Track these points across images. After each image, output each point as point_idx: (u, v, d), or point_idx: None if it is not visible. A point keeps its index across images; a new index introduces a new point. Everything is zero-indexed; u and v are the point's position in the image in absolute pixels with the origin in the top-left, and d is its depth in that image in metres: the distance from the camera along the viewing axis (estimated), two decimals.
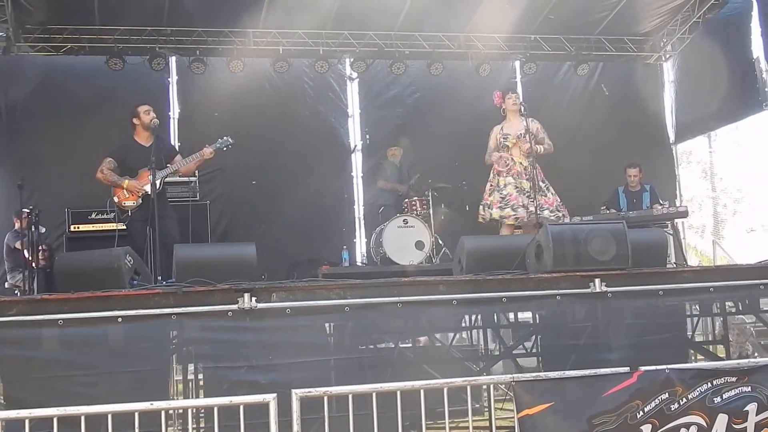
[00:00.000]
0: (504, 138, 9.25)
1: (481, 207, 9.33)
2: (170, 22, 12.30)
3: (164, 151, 8.89)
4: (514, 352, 8.13)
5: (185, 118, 12.76)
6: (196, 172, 10.18)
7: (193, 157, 8.93)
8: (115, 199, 8.73)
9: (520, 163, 9.17)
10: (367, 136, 13.42)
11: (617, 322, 6.29)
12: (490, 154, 9.39)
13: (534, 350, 8.13)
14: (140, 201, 8.62)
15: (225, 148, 9.08)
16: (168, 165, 8.78)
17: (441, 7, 12.71)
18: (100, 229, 10.33)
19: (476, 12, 12.86)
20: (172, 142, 11.41)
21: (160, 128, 9.12)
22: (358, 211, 13.59)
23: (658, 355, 6.03)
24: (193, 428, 5.46)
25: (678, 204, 12.68)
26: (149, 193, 8.51)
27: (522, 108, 9.30)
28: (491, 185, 9.25)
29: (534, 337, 8.22)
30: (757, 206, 32.59)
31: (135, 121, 8.92)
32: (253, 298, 5.64)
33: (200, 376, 7.11)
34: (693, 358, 8.37)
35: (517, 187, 9.06)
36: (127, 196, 8.66)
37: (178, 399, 7.24)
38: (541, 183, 9.13)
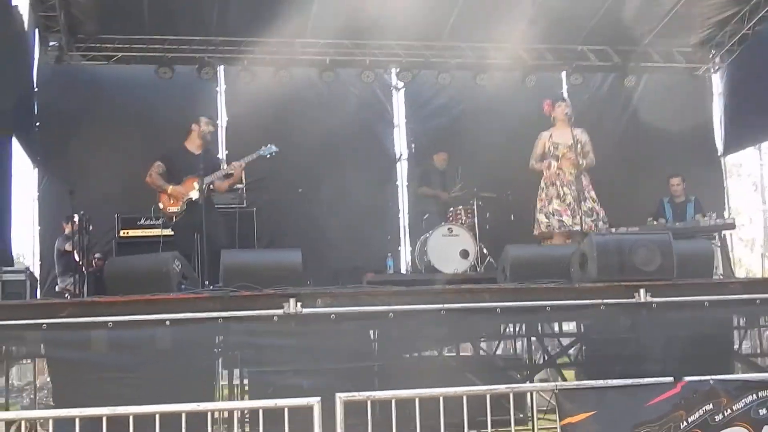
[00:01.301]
0: (554, 147, 9.26)
1: (543, 215, 9.33)
2: (219, 32, 12.46)
3: (211, 163, 9.06)
4: (558, 362, 8.12)
5: (233, 126, 12.89)
6: (243, 178, 10.29)
7: (226, 171, 9.08)
8: (160, 205, 8.92)
9: (570, 172, 9.18)
10: (413, 145, 13.45)
11: (662, 333, 6.27)
12: (537, 160, 9.41)
13: (578, 359, 8.12)
14: (184, 207, 8.77)
15: (269, 155, 9.19)
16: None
17: (487, 17, 12.67)
18: (149, 234, 10.48)
19: (523, 22, 12.84)
20: (220, 150, 11.57)
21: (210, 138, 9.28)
22: (403, 219, 13.64)
23: (702, 367, 5.99)
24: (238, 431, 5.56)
25: (726, 216, 12.56)
26: (193, 198, 8.68)
27: (571, 117, 9.32)
28: (551, 195, 9.25)
29: (578, 346, 8.22)
30: None
31: (194, 126, 9.16)
32: (299, 304, 5.70)
33: (245, 381, 7.19)
34: (739, 370, 8.30)
35: (571, 198, 9.08)
36: (171, 202, 8.82)
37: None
38: (592, 193, 9.14)
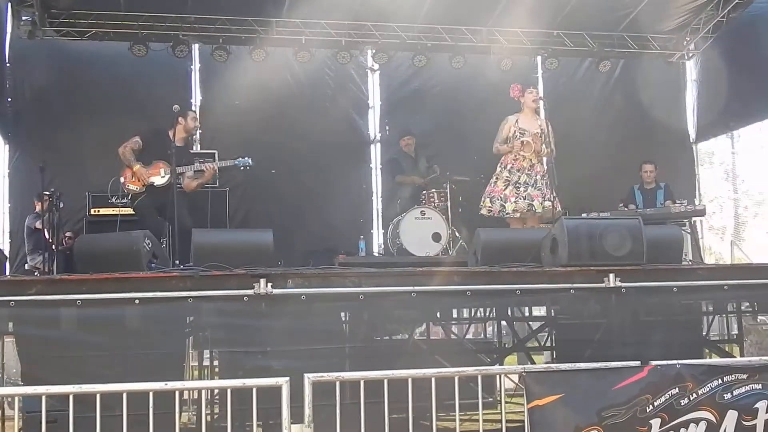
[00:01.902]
0: (521, 133, 9.28)
1: (489, 200, 9.37)
2: (194, 10, 12.32)
3: (186, 158, 9.11)
4: (527, 346, 8.16)
5: (206, 106, 12.79)
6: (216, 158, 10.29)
7: (197, 168, 9.09)
8: (121, 179, 8.89)
9: (529, 159, 9.21)
10: (387, 128, 13.44)
11: (630, 318, 6.32)
12: (501, 143, 9.42)
13: (547, 344, 8.16)
14: (144, 190, 8.77)
15: (242, 168, 9.25)
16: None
17: (464, 0, 12.68)
18: (120, 213, 10.42)
19: (499, 6, 12.85)
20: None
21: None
22: (376, 202, 13.64)
23: (670, 352, 6.03)
24: (206, 413, 5.55)
25: (696, 203, 12.65)
26: (155, 184, 8.73)
27: (542, 104, 9.35)
28: (504, 179, 9.28)
29: (547, 331, 8.26)
30: None
31: (180, 120, 9.13)
32: (269, 284, 5.69)
33: (215, 362, 7.19)
34: (708, 356, 8.38)
35: (516, 182, 9.15)
36: (133, 180, 8.82)
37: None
38: (539, 177, 9.17)
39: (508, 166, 9.28)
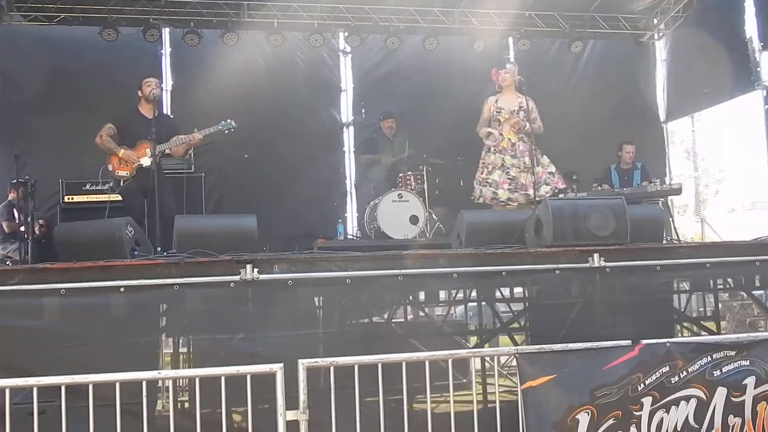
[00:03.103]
0: (497, 111, 9.28)
1: (478, 184, 9.32)
2: None
3: (166, 127, 8.90)
4: (510, 327, 8.18)
5: (178, 90, 12.71)
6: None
7: (182, 139, 8.90)
8: (109, 167, 8.76)
9: (509, 139, 9.21)
10: (363, 110, 13.38)
11: (615, 297, 6.34)
12: (481, 125, 9.41)
13: (529, 324, 8.17)
14: (134, 173, 8.64)
15: (227, 131, 9.08)
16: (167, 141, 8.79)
17: None
18: (95, 200, 10.31)
19: None
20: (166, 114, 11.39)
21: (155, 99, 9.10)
22: (350, 185, 13.61)
23: (655, 330, 6.08)
24: (180, 400, 5.50)
25: (668, 181, 12.74)
26: (144, 165, 8.57)
27: (517, 82, 9.34)
28: (491, 163, 9.25)
29: (530, 311, 8.27)
30: (739, 186, 32.87)
31: (139, 92, 8.97)
32: (255, 270, 5.63)
33: (198, 347, 7.12)
34: (681, 333, 8.46)
35: (502, 165, 9.12)
36: (121, 165, 8.68)
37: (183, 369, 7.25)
38: (526, 159, 9.16)
39: (491, 149, 9.25)
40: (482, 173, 9.31)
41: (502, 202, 9.09)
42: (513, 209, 8.96)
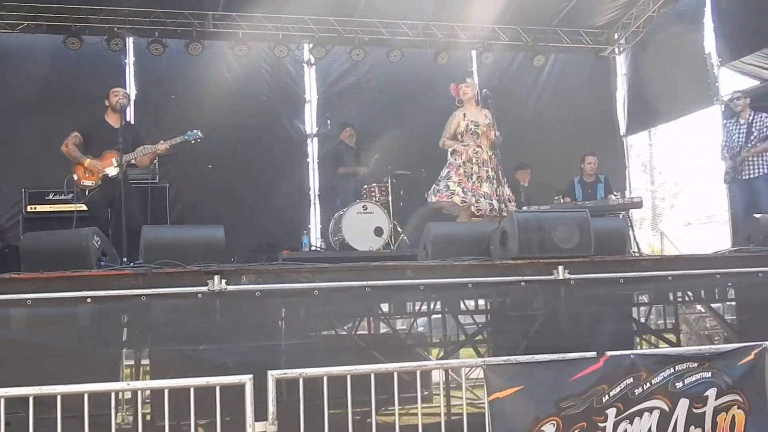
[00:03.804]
0: (475, 125, 9.27)
1: (463, 192, 9.26)
2: (129, 3, 12.18)
3: (132, 137, 8.86)
4: (476, 339, 8.21)
5: (142, 99, 12.69)
6: None
7: (148, 149, 8.87)
8: (74, 177, 8.68)
9: (486, 152, 9.25)
10: (329, 122, 13.41)
11: (579, 309, 6.39)
12: (449, 138, 9.42)
13: (493, 336, 8.21)
14: (100, 182, 8.59)
15: (193, 141, 9.05)
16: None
17: None
18: (58, 210, 10.22)
19: (435, 0, 12.94)
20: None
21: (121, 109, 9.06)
22: (313, 196, 13.63)
23: (618, 342, 6.15)
24: (144, 410, 5.48)
25: (627, 195, 12.90)
26: (109, 174, 8.52)
27: (478, 96, 9.38)
28: (476, 174, 9.25)
29: (492, 323, 8.32)
30: (694, 200, 33.32)
31: (106, 101, 8.92)
32: (223, 281, 5.62)
33: (165, 358, 7.09)
34: (641, 345, 8.54)
35: (487, 177, 9.14)
36: (87, 175, 8.61)
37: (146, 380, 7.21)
38: (500, 173, 9.21)
39: (473, 160, 9.24)
40: (469, 182, 9.20)
41: (491, 211, 9.08)
42: (480, 221, 9.00)
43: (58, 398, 4.47)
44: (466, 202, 9.14)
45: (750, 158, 10.30)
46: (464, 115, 9.40)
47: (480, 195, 9.10)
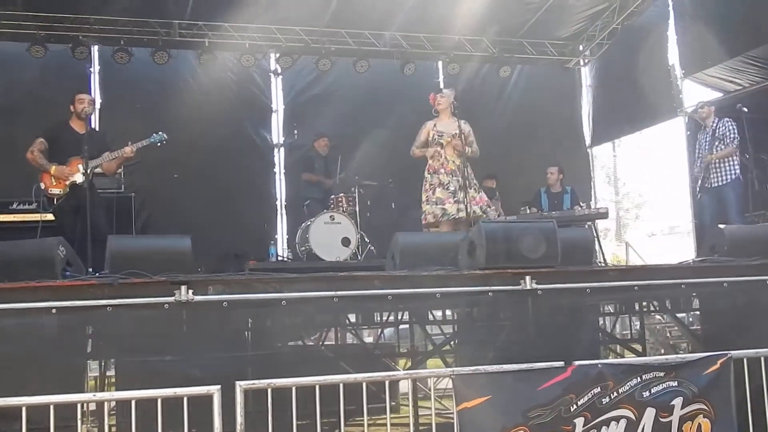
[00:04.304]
0: (439, 135, 9.32)
1: (429, 206, 9.31)
2: (94, 11, 12.10)
3: (98, 143, 8.75)
4: (443, 349, 8.21)
5: (107, 108, 12.58)
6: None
7: (115, 155, 8.79)
8: (42, 185, 8.56)
9: (453, 161, 9.27)
10: (296, 131, 13.39)
11: (546, 320, 6.42)
12: (419, 147, 9.46)
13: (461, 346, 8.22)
14: (67, 190, 8.49)
15: (159, 144, 8.97)
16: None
17: (367, 4, 12.71)
18: (22, 219, 10.10)
19: (402, 11, 12.97)
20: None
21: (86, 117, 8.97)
22: (280, 207, 13.60)
23: (585, 352, 6.17)
24: (110, 422, 5.42)
25: (593, 205, 13.01)
26: (77, 182, 8.42)
27: (453, 107, 9.42)
28: (434, 183, 9.28)
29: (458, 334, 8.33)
30: (658, 211, 33.71)
31: (71, 107, 8.82)
32: (190, 291, 5.58)
33: (131, 369, 7.02)
34: (607, 355, 8.60)
35: (454, 186, 9.17)
36: (54, 183, 8.50)
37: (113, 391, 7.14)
38: (474, 181, 9.27)
39: (440, 170, 9.28)
40: (430, 195, 9.29)
41: (452, 217, 9.10)
42: (452, 230, 9.03)
43: (23, 410, 4.41)
44: (437, 215, 9.23)
45: (715, 164, 10.36)
46: (434, 125, 9.44)
47: (433, 201, 9.16)
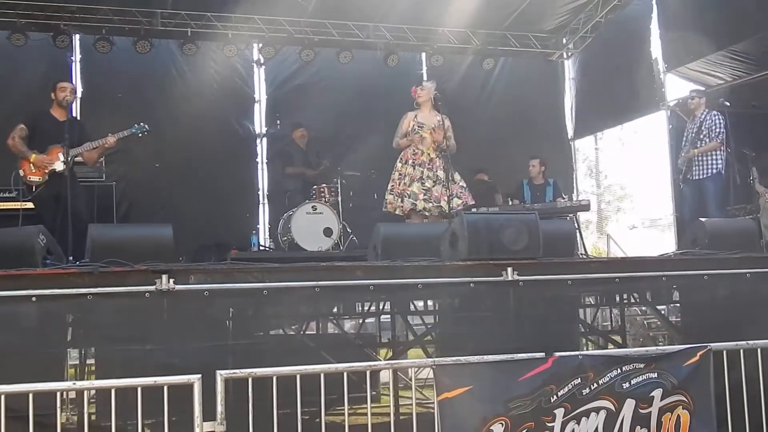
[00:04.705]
0: (419, 126, 9.33)
1: (392, 196, 9.34)
2: None
3: (78, 132, 8.70)
4: (425, 339, 8.23)
5: (88, 97, 12.49)
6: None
7: (95, 144, 8.75)
8: (21, 172, 8.51)
9: (428, 154, 9.27)
10: (278, 121, 13.37)
11: (527, 311, 6.43)
12: (401, 137, 9.45)
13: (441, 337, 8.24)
14: (47, 178, 8.44)
15: (141, 134, 8.95)
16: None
17: None
18: (2, 207, 10.03)
19: (386, 2, 12.96)
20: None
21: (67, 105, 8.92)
22: (262, 196, 13.58)
23: (566, 343, 6.21)
24: (89, 411, 5.41)
25: (576, 198, 13.07)
26: (57, 170, 8.38)
27: (434, 99, 9.43)
28: (408, 175, 9.28)
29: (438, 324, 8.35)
30: (640, 204, 33.88)
31: (52, 95, 8.77)
32: (171, 280, 5.56)
33: (110, 358, 7.01)
34: (587, 346, 8.64)
35: (421, 178, 9.17)
36: (33, 171, 8.46)
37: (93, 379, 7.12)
38: (440, 172, 9.23)
39: (409, 161, 9.30)
40: (399, 184, 9.30)
41: (419, 211, 9.13)
42: (427, 222, 9.03)
43: (2, 398, 4.39)
44: (392, 203, 9.28)
45: (698, 158, 10.37)
46: (415, 116, 9.44)
47: (406, 194, 9.14)
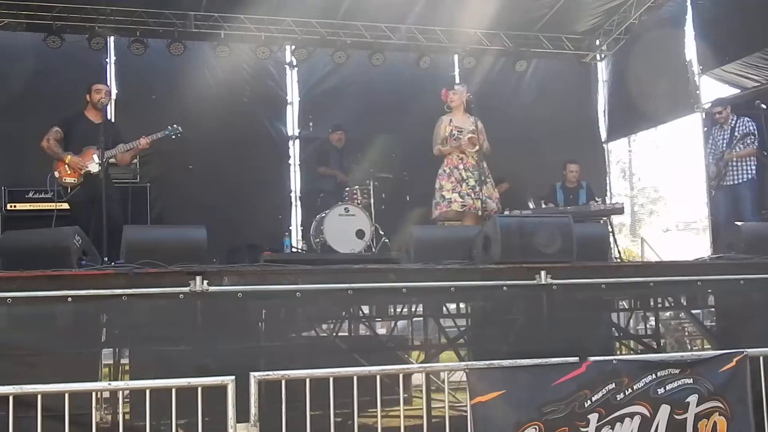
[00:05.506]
0: (459, 131, 9.27)
1: (443, 199, 9.25)
2: (110, 2, 12.13)
3: (112, 134, 8.78)
4: (458, 342, 8.21)
5: (122, 99, 12.56)
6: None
7: (129, 146, 8.82)
8: (56, 174, 8.60)
9: (473, 156, 9.23)
10: (311, 124, 13.40)
11: (561, 315, 6.40)
12: (441, 144, 9.37)
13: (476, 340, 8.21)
14: (82, 179, 8.52)
15: (174, 136, 9.01)
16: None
17: None
18: (38, 208, 10.16)
19: (418, 4, 12.96)
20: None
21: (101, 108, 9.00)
22: (295, 198, 13.61)
23: (601, 348, 6.17)
24: (123, 410, 5.44)
25: (609, 201, 12.96)
26: (92, 172, 8.45)
27: (466, 103, 9.39)
28: (454, 177, 9.25)
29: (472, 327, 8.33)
30: (673, 206, 33.65)
31: (87, 97, 8.87)
32: (205, 281, 5.59)
33: (144, 359, 7.05)
34: (621, 351, 8.59)
35: (474, 182, 9.12)
36: (69, 172, 8.55)
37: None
38: (488, 178, 9.24)
39: (460, 166, 9.23)
40: (453, 188, 9.22)
41: (486, 212, 9.03)
42: (463, 224, 9.00)
43: (39, 397, 4.43)
44: (466, 205, 9.14)
45: (733, 163, 10.29)
46: (450, 120, 9.39)
47: (486, 196, 9.11)
